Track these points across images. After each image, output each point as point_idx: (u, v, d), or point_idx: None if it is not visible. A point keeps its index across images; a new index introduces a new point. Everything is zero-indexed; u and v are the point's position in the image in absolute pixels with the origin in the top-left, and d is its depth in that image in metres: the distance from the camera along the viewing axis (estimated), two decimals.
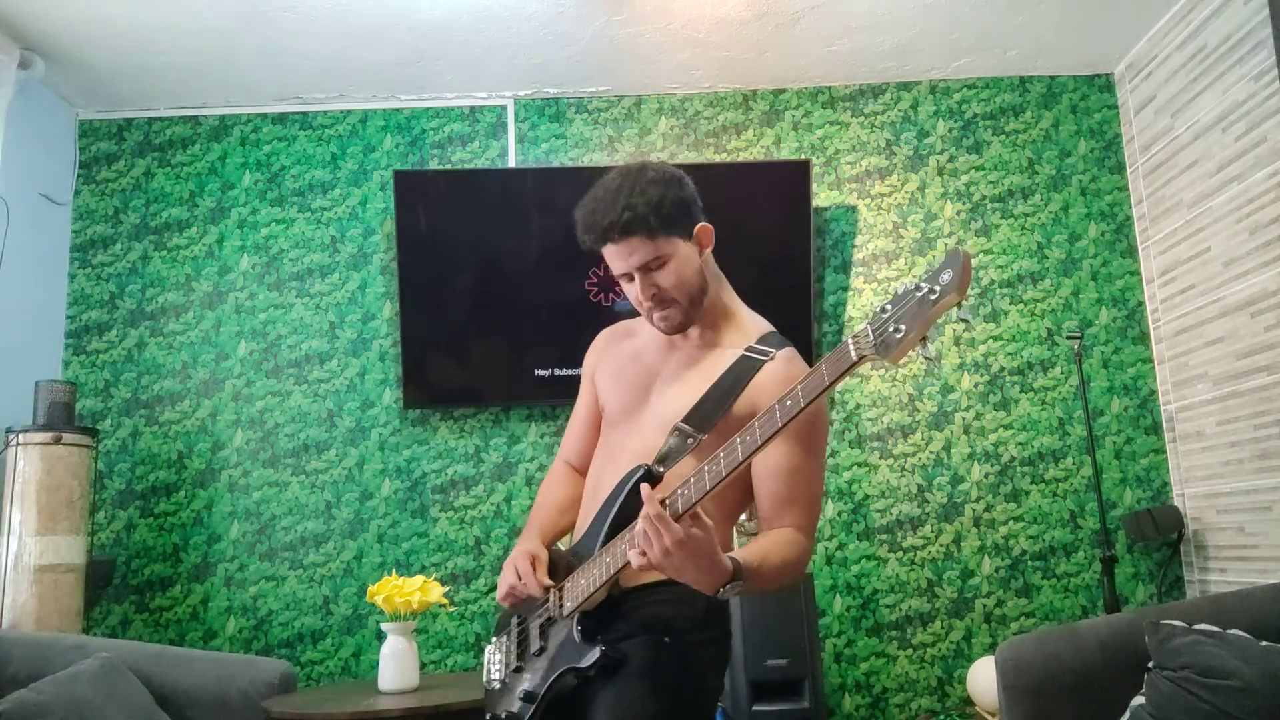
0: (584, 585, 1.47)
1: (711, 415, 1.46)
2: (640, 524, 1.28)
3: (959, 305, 1.08)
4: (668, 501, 1.31)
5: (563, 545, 1.73)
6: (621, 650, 1.44)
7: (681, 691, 1.45)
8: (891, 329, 1.11)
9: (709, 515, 1.30)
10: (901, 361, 1.12)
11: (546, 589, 1.55)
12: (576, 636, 1.46)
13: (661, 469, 1.47)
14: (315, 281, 3.52)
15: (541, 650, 1.53)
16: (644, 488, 1.30)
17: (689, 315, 1.55)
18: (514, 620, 1.65)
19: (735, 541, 1.75)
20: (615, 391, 1.66)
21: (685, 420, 1.48)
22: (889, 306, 1.13)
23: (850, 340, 1.17)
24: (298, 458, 3.39)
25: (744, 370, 1.49)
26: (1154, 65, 3.35)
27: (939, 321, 3.53)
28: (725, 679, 1.58)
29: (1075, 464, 3.37)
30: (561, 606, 1.52)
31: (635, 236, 1.47)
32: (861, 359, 1.15)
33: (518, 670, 1.57)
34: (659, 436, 1.51)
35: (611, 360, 1.71)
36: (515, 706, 1.52)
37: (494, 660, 1.66)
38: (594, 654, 1.43)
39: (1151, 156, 3.40)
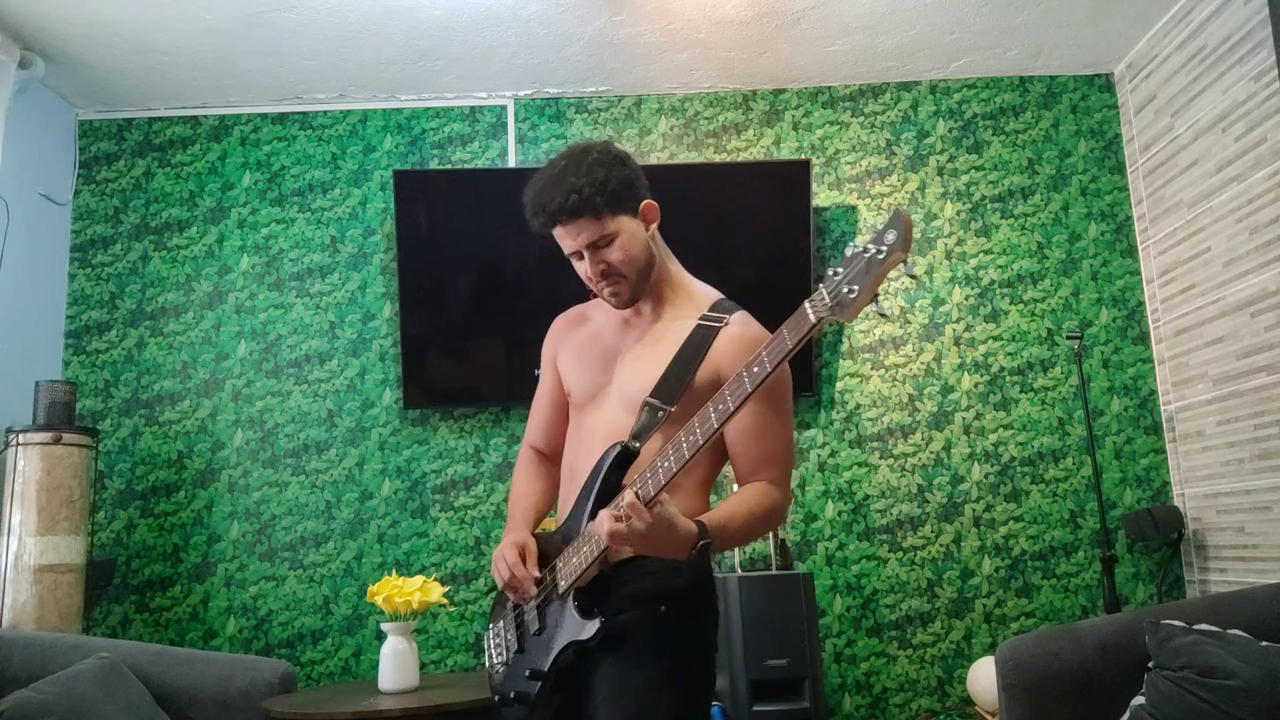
0: (575, 564, 1.51)
1: (677, 386, 1.52)
2: (606, 530, 1.34)
3: (904, 262, 1.17)
4: (639, 489, 1.37)
5: (546, 526, 1.75)
6: (620, 622, 1.48)
7: (682, 654, 1.51)
8: (845, 290, 1.18)
9: (680, 485, 1.40)
10: (854, 319, 1.22)
11: (538, 580, 1.59)
12: (575, 613, 1.50)
13: (637, 445, 1.52)
14: (315, 281, 3.52)
15: (541, 630, 1.57)
16: (628, 492, 1.36)
17: (637, 289, 1.60)
18: (509, 605, 1.69)
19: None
20: (578, 375, 1.70)
21: (653, 395, 1.53)
22: (840, 270, 1.20)
23: (808, 304, 1.23)
24: (298, 458, 3.39)
25: (702, 338, 1.55)
26: (1154, 65, 3.35)
27: (937, 323, 3.52)
28: (724, 676, 1.61)
29: (1075, 464, 3.37)
30: (556, 586, 1.56)
31: (582, 218, 1.53)
32: (820, 321, 1.22)
33: (519, 652, 1.62)
34: (627, 414, 1.56)
35: (570, 344, 1.75)
36: (523, 685, 1.57)
37: (495, 645, 1.71)
38: (594, 626, 1.47)
39: (1151, 156, 3.40)
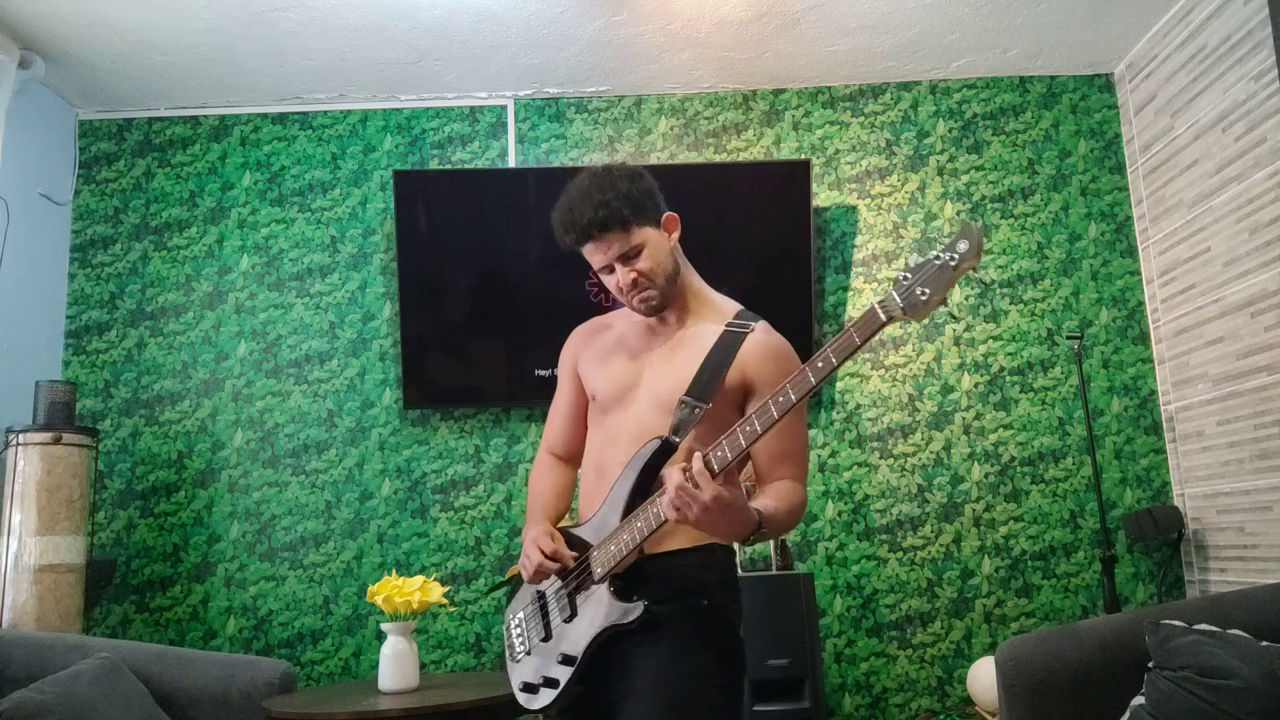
0: (613, 551, 1.56)
1: (710, 385, 1.59)
2: (673, 490, 1.37)
3: (974, 269, 1.27)
4: (706, 460, 1.41)
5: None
6: (661, 611, 1.54)
7: (725, 646, 1.60)
8: (918, 292, 1.27)
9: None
10: (924, 319, 1.32)
11: (575, 556, 1.64)
12: (613, 597, 1.55)
13: (677, 439, 1.58)
14: (315, 281, 3.52)
15: (571, 618, 1.62)
16: (695, 457, 1.39)
17: (666, 295, 1.67)
18: (532, 594, 1.72)
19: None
20: (604, 377, 1.76)
21: (688, 393, 1.59)
22: (908, 274, 1.29)
23: (877, 304, 1.30)
24: (298, 458, 3.39)
25: (730, 343, 1.63)
26: (1154, 65, 3.35)
27: (937, 322, 3.52)
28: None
29: (1075, 464, 3.37)
30: (591, 574, 1.60)
31: (612, 231, 1.61)
32: (890, 319, 1.29)
33: (545, 639, 1.66)
34: (658, 415, 1.62)
35: (594, 350, 1.82)
36: (552, 671, 1.62)
37: (517, 634, 1.74)
38: (638, 609, 1.53)
39: (1151, 156, 3.40)
